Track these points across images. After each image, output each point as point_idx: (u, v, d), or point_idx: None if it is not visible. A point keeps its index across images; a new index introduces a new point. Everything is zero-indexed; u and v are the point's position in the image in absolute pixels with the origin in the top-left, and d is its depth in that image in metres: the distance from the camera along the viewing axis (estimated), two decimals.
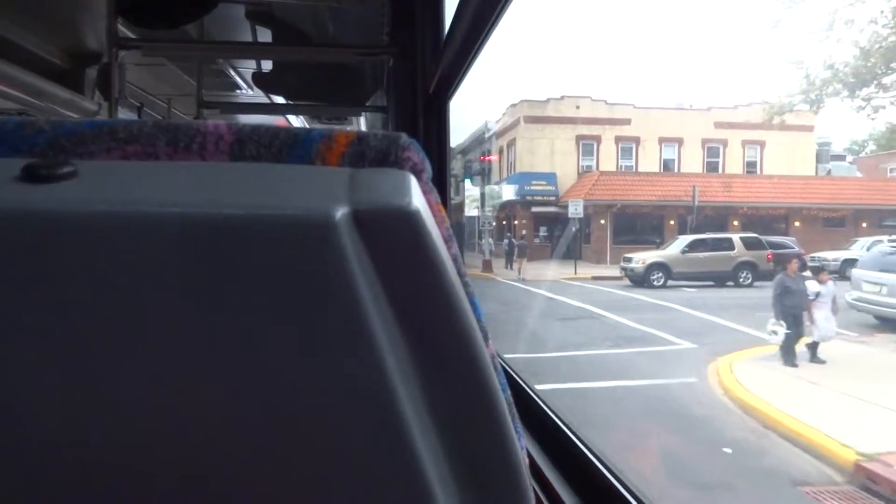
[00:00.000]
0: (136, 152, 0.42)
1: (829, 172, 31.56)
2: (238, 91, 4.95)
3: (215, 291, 0.37)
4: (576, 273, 22.90)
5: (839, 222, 27.72)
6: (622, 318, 12.63)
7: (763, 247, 18.67)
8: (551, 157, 30.07)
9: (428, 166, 0.44)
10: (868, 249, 22.32)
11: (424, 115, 2.17)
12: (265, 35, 3.52)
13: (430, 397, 0.42)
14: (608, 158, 30.19)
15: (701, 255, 18.43)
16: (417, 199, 0.38)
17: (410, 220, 0.37)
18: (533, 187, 29.60)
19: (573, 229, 30.18)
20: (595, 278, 22.35)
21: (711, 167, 30.25)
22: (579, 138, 30.23)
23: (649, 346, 10.34)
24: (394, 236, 0.37)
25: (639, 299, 15.74)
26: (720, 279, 18.52)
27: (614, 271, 23.74)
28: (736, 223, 27.66)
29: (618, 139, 30.29)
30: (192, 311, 0.38)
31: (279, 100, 4.63)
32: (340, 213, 0.36)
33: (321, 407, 0.40)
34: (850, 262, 21.91)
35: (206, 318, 0.38)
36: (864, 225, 28.12)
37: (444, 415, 0.42)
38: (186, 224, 0.36)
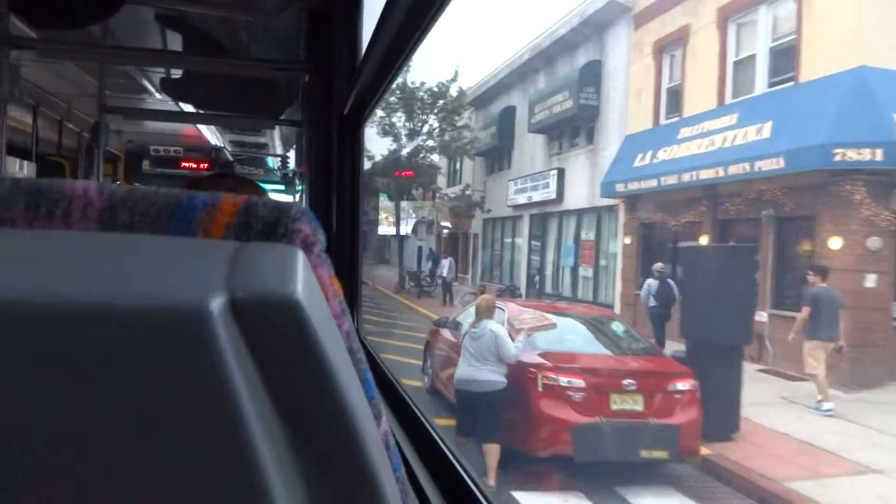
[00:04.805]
0: None
1: None
2: (145, 95, 4.70)
3: (73, 386, 0.34)
4: None
5: None
6: None
7: None
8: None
9: (321, 237, 0.41)
10: None
11: (339, 135, 2.07)
12: (175, 40, 3.33)
13: (310, 489, 0.39)
14: None
15: None
16: (303, 283, 0.35)
17: (292, 311, 0.34)
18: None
19: None
20: None
21: None
22: None
23: None
24: (274, 327, 0.34)
25: None
26: None
27: None
28: None
29: None
30: (45, 409, 0.34)
31: (188, 108, 4.44)
32: (216, 303, 0.33)
33: None
34: None
35: (63, 415, 0.34)
36: None
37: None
38: (33, 314, 0.32)
